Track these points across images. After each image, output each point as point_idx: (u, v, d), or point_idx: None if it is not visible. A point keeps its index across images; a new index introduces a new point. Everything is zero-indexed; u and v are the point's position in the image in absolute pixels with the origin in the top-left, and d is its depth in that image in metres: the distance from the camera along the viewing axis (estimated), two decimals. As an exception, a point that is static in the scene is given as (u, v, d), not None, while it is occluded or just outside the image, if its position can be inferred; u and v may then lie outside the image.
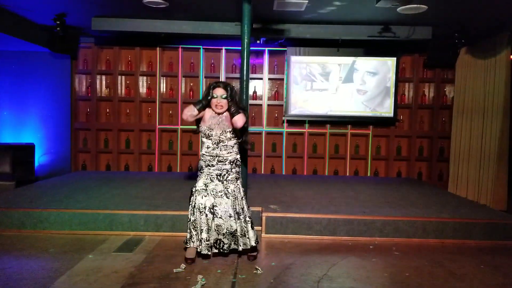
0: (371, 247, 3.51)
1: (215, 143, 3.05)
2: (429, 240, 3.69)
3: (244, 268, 2.92)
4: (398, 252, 3.38)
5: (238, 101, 3.11)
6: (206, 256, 3.04)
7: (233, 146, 3.11)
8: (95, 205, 3.90)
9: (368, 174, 6.57)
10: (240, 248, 3.04)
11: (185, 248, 3.07)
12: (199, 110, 3.02)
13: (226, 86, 3.05)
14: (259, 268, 2.88)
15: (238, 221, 3.04)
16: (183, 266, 2.89)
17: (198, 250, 3.00)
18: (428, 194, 5.00)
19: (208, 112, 3.08)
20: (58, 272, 2.75)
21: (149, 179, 5.57)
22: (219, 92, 3.00)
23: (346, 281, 2.73)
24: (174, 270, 2.83)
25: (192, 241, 3.00)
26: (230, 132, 3.07)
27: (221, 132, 3.05)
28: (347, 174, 6.56)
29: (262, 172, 6.54)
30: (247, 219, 3.07)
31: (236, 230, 3.03)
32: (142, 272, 2.80)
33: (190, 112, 3.01)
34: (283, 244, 3.52)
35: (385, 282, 2.74)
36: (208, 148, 3.07)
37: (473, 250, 3.51)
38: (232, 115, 3.00)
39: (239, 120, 2.98)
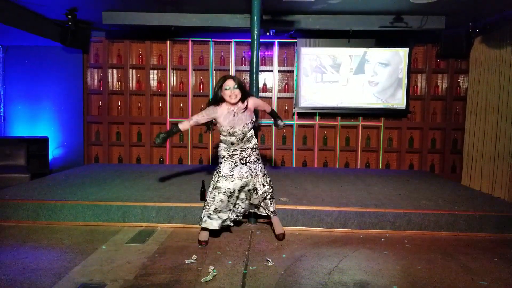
0: (382, 239, 3.49)
1: (239, 139, 3.20)
2: (441, 233, 3.66)
3: (255, 259, 2.94)
4: (410, 245, 3.35)
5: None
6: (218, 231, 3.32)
7: (252, 135, 3.30)
8: (108, 197, 3.96)
9: (380, 167, 6.52)
10: (258, 212, 3.48)
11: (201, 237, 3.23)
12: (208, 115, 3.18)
13: (234, 77, 3.16)
14: (270, 260, 2.89)
15: (259, 194, 3.29)
16: (194, 257, 2.92)
17: (215, 227, 3.22)
18: (440, 186, 4.94)
19: (222, 111, 3.15)
20: (72, 263, 2.81)
21: (161, 172, 5.62)
22: (230, 83, 3.08)
23: (357, 274, 2.73)
24: (186, 261, 2.86)
25: (210, 222, 3.19)
26: (251, 122, 3.22)
27: (243, 125, 3.17)
28: (358, 167, 6.52)
29: (273, 165, 6.54)
30: (266, 193, 3.33)
31: (256, 201, 3.35)
32: (155, 263, 2.84)
33: (198, 118, 3.20)
34: (293, 236, 3.52)
35: (397, 275, 2.73)
36: (232, 144, 3.22)
37: (486, 243, 3.47)
38: (245, 99, 3.18)
39: (267, 107, 3.44)
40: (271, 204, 3.41)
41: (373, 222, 3.69)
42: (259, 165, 3.34)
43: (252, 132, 3.29)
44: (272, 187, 3.41)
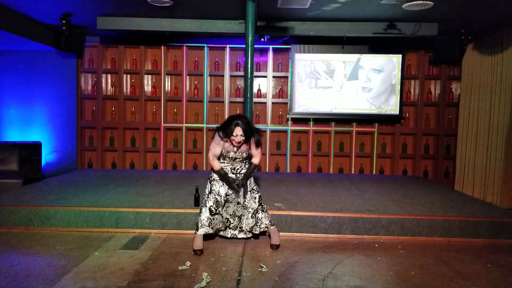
0: (376, 245, 3.50)
1: (230, 161, 3.37)
2: (435, 239, 3.68)
3: (249, 266, 2.93)
4: (404, 251, 3.37)
5: (253, 128, 3.35)
6: (212, 235, 3.36)
7: (246, 159, 3.43)
8: (101, 203, 3.93)
9: (373, 172, 6.54)
10: (244, 234, 3.40)
11: (199, 240, 3.22)
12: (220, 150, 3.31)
13: (244, 122, 3.22)
14: (264, 266, 2.88)
15: (246, 210, 3.34)
16: (188, 263, 2.90)
17: (211, 231, 3.25)
18: (434, 192, 4.97)
19: (225, 143, 3.32)
20: (65, 269, 2.78)
21: (154, 177, 5.60)
22: (238, 131, 3.19)
23: (351, 280, 2.73)
24: (179, 268, 2.85)
25: (205, 226, 3.22)
26: (245, 153, 3.37)
27: (238, 154, 3.34)
28: (352, 172, 6.54)
29: (267, 170, 6.54)
30: (250, 210, 3.35)
31: (242, 215, 3.36)
32: (148, 269, 2.82)
33: (215, 151, 3.31)
34: (288, 242, 3.52)
35: (391, 281, 2.74)
36: (222, 163, 3.37)
37: (479, 248, 3.49)
38: (250, 142, 3.31)
39: (258, 158, 3.42)
40: (259, 224, 3.39)
41: (367, 228, 3.70)
42: (249, 179, 3.42)
43: (246, 159, 3.43)
44: (260, 204, 3.41)
